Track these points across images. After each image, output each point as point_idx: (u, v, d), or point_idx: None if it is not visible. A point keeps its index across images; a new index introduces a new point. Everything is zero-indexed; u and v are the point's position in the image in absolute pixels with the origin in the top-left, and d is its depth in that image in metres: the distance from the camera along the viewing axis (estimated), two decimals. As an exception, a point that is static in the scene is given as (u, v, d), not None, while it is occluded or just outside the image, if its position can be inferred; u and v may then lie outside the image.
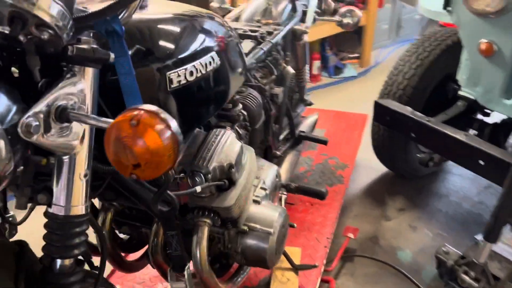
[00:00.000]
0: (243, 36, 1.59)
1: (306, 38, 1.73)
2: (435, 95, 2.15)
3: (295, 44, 1.73)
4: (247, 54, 1.44)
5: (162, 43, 0.84)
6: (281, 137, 1.81)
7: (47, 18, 0.58)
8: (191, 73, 0.87)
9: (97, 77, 0.71)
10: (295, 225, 1.47)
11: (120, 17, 0.71)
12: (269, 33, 1.60)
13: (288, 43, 1.68)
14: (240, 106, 1.25)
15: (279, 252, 1.26)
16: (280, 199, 1.54)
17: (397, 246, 2.13)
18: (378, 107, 2.02)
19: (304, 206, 1.99)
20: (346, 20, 1.88)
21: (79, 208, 0.73)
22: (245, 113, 1.27)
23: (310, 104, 2.06)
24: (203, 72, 0.91)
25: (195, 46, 0.89)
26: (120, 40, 0.71)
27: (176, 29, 0.88)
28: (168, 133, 0.59)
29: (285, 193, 1.57)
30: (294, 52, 1.77)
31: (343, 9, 1.90)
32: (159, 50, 0.82)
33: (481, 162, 1.67)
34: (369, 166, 2.63)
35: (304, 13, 1.87)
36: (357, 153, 2.39)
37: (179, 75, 0.83)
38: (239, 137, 1.25)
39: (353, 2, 3.79)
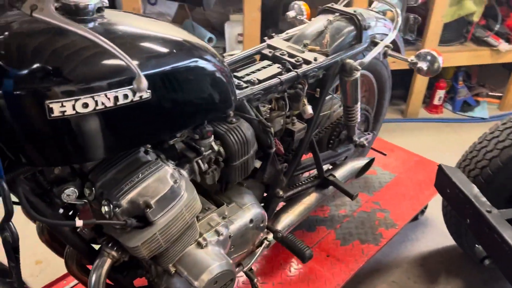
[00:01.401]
0: (276, 59, 1.44)
1: (358, 75, 1.48)
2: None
3: (344, 79, 1.50)
4: (261, 81, 1.30)
5: (53, 66, 0.77)
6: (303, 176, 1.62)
7: None
8: (85, 105, 0.79)
9: None
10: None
11: None
12: (307, 62, 1.41)
13: (331, 76, 1.46)
14: (211, 138, 1.14)
15: (205, 308, 1.15)
16: (261, 244, 1.39)
17: (421, 337, 1.79)
18: (440, 173, 1.66)
19: (320, 255, 1.78)
20: (421, 64, 1.55)
21: None
22: (216, 148, 1.15)
23: (362, 145, 1.79)
24: (109, 105, 0.82)
25: (104, 75, 0.81)
26: None
27: (83, 53, 0.81)
28: None
29: (269, 239, 1.41)
30: (343, 87, 1.53)
31: (423, 50, 1.57)
32: (45, 74, 0.76)
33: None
34: (440, 229, 2.23)
35: (375, 44, 1.61)
36: (413, 216, 2.03)
37: (63, 105, 0.77)
38: (200, 171, 1.14)
39: (508, 33, 3.18)
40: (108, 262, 1.02)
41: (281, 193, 1.48)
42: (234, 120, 1.20)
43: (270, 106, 1.34)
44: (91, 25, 0.89)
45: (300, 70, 1.35)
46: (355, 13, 1.55)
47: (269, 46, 1.51)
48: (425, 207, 2.26)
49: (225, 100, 1.11)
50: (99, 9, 0.92)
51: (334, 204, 2.05)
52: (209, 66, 1.03)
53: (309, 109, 1.36)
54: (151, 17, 1.07)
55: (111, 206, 0.95)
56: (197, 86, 1.00)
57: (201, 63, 1.01)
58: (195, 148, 1.13)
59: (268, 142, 1.31)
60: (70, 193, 0.94)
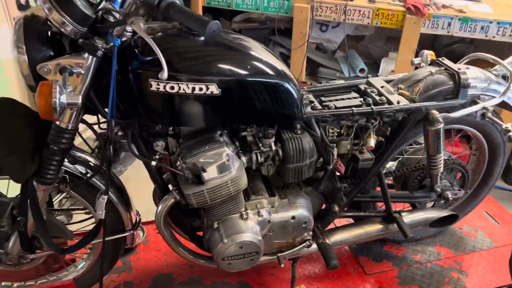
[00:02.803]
0: (364, 94, 1.64)
1: (439, 126, 1.56)
2: None
3: (427, 128, 1.59)
4: (337, 108, 1.54)
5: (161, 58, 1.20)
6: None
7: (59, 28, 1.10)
8: (172, 88, 1.20)
9: (94, 63, 1.18)
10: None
11: (115, 33, 1.15)
12: (389, 103, 1.58)
13: (410, 121, 1.58)
14: (272, 139, 1.44)
15: (229, 264, 1.48)
16: (301, 242, 1.63)
17: None
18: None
19: (373, 284, 1.89)
20: (513, 132, 1.53)
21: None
22: (274, 148, 1.44)
23: (446, 199, 1.82)
24: (188, 92, 1.22)
25: (189, 72, 1.21)
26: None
27: (181, 56, 1.23)
28: (45, 99, 1.05)
29: (310, 241, 1.64)
30: (426, 135, 1.62)
31: (522, 119, 1.53)
32: (153, 63, 1.20)
33: None
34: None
35: (474, 103, 1.65)
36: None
37: (158, 84, 1.20)
38: (257, 162, 1.46)
39: None
40: (172, 200, 1.44)
41: (336, 208, 1.68)
42: (299, 131, 1.48)
43: (338, 130, 1.56)
44: (202, 38, 1.32)
45: (376, 108, 1.54)
46: (460, 70, 1.62)
47: (367, 83, 1.72)
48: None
49: (289, 115, 1.41)
50: None
51: (413, 248, 2.09)
52: (282, 89, 1.35)
53: (370, 142, 1.53)
54: (256, 42, 1.43)
55: (182, 161, 1.37)
56: (264, 99, 1.33)
57: (275, 85, 1.33)
58: (257, 143, 1.46)
59: (327, 159, 1.54)
60: (159, 145, 1.39)
